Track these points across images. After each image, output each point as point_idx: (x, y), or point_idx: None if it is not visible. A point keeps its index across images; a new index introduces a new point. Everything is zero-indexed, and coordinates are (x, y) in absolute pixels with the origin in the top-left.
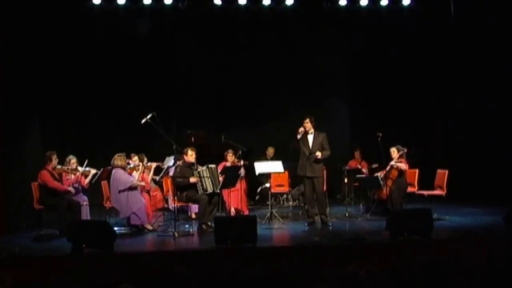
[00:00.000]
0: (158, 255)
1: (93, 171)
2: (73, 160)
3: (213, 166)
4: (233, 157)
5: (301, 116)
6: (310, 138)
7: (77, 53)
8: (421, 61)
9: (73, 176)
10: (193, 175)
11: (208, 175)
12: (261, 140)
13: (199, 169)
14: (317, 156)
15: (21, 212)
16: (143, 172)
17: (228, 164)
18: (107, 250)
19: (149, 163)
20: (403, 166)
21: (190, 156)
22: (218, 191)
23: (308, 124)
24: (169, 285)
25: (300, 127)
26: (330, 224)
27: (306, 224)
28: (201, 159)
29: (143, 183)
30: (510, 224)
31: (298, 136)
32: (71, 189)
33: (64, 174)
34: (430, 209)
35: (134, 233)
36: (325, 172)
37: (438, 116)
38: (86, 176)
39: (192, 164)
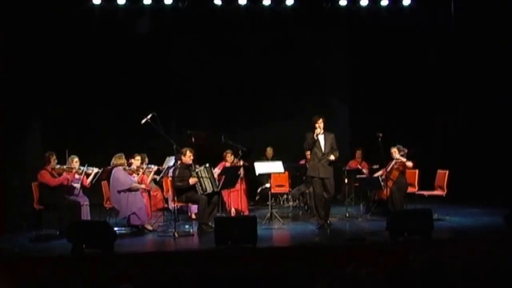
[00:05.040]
0: (158, 255)
1: (95, 170)
2: (75, 159)
3: (207, 165)
4: (232, 157)
5: (300, 116)
6: (321, 138)
7: (77, 53)
8: (421, 61)
9: (78, 176)
10: (191, 176)
11: (207, 175)
12: (261, 140)
13: (197, 170)
14: (331, 159)
15: (21, 212)
16: (143, 173)
17: (228, 164)
18: (107, 250)
19: (150, 166)
20: (410, 163)
21: (188, 157)
22: (218, 190)
23: (322, 124)
24: (169, 285)
25: (314, 128)
26: (331, 224)
27: (317, 227)
28: (201, 160)
29: (142, 186)
30: (511, 224)
31: (316, 137)
32: (70, 177)
33: (64, 173)
34: (430, 210)
35: (134, 233)
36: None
37: (438, 116)
38: (88, 176)
39: (190, 165)
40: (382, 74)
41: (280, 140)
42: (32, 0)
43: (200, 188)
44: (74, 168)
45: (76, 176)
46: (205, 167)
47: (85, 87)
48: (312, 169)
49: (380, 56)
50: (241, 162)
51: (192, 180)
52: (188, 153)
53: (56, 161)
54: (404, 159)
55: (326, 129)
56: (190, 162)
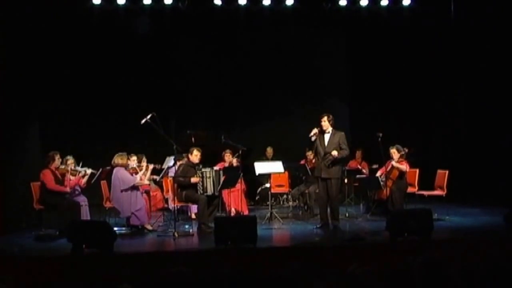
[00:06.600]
0: (158, 255)
1: (88, 171)
2: (70, 160)
3: (217, 168)
4: (231, 157)
5: (300, 116)
6: (327, 137)
7: (77, 53)
8: (421, 61)
9: (72, 177)
10: (195, 175)
11: (210, 176)
12: (261, 140)
13: (203, 170)
14: (333, 155)
15: (21, 212)
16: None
17: (226, 164)
18: (107, 250)
19: (147, 164)
20: (403, 167)
21: (195, 156)
22: (217, 193)
23: (325, 122)
24: (169, 285)
25: (313, 128)
26: (331, 226)
27: (317, 226)
28: (201, 159)
29: (147, 182)
30: (511, 224)
31: (312, 138)
32: (68, 189)
33: (66, 174)
34: (430, 210)
35: (134, 233)
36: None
37: (438, 116)
38: (83, 176)
39: (197, 164)
40: (382, 74)
41: (280, 140)
42: (32, 0)
43: (201, 187)
44: (77, 171)
45: (71, 177)
46: (212, 169)
47: (85, 87)
48: (316, 169)
49: (380, 56)
50: (234, 161)
51: (194, 179)
52: (195, 152)
53: (60, 160)
54: (399, 166)
55: (335, 127)
56: (197, 161)
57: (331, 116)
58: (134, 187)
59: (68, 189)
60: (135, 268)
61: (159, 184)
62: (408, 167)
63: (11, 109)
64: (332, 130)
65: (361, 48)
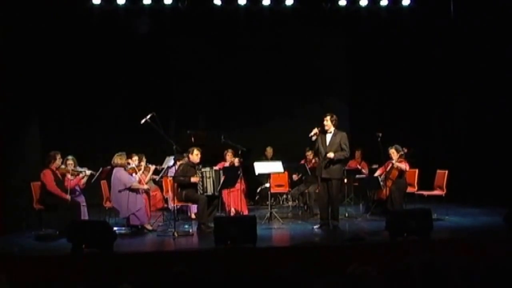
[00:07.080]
0: (157, 255)
1: (88, 172)
2: (70, 160)
3: (217, 168)
4: (232, 156)
5: (300, 116)
6: (328, 137)
7: (77, 53)
8: (421, 61)
9: (72, 178)
10: (195, 174)
11: (210, 176)
12: (261, 140)
13: (203, 170)
14: (328, 157)
15: (21, 212)
16: (143, 172)
17: (227, 164)
18: (107, 250)
19: (148, 165)
20: (403, 166)
21: (195, 155)
22: (217, 193)
23: (328, 122)
24: (169, 285)
25: (313, 128)
26: (330, 226)
27: (317, 226)
28: (201, 159)
29: (145, 187)
30: (510, 224)
31: (313, 138)
32: (68, 197)
33: (67, 174)
34: (429, 209)
35: (134, 233)
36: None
37: (438, 116)
38: (82, 177)
39: (197, 164)
40: (382, 74)
41: (280, 140)
42: (32, 0)
43: (201, 187)
44: (79, 172)
45: (71, 177)
46: (212, 169)
47: (85, 87)
48: (317, 168)
49: (380, 56)
50: (236, 160)
51: (194, 179)
52: (196, 152)
53: (61, 160)
54: (399, 164)
55: (338, 128)
56: (197, 161)
57: (334, 116)
58: (132, 189)
59: (68, 197)
60: (135, 268)
61: (158, 184)
62: (408, 166)
63: (11, 109)
64: (334, 130)
65: (361, 48)
